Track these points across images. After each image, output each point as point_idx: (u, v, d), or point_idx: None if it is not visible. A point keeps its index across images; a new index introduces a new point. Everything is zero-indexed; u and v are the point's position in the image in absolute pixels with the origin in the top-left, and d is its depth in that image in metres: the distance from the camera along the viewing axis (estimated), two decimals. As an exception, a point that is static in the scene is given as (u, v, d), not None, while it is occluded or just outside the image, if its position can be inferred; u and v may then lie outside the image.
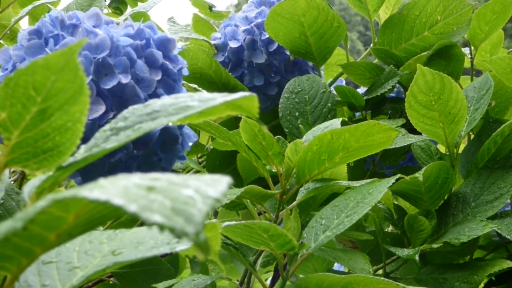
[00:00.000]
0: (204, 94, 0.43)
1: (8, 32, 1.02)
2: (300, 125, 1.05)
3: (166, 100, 0.42)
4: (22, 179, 0.91)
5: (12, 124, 0.37)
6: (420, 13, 1.18)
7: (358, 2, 1.21)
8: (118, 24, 0.72)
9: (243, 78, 1.24)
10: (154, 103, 0.42)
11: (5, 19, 1.35)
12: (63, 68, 0.35)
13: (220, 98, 0.42)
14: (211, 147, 1.12)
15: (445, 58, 1.15)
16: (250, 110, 0.45)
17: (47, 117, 0.37)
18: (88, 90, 0.37)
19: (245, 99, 0.43)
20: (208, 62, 1.16)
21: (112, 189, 0.29)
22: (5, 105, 0.36)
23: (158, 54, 0.68)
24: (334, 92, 1.19)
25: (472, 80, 1.22)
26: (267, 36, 1.20)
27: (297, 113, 1.09)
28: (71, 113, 0.38)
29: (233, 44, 1.22)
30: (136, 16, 0.85)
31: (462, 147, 1.08)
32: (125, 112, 0.42)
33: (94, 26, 0.69)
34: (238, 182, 1.09)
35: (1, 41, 1.25)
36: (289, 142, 0.91)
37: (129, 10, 1.39)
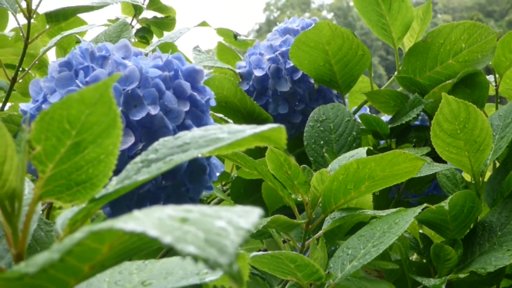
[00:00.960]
0: (233, 126, 0.43)
1: (36, 62, 1.04)
2: (325, 154, 1.05)
3: (196, 132, 0.42)
4: (49, 209, 0.92)
5: (47, 157, 0.38)
6: (444, 41, 1.18)
7: (383, 30, 1.22)
8: (146, 55, 0.73)
9: (267, 106, 1.25)
10: (185, 135, 0.43)
11: (33, 49, 1.37)
12: (97, 102, 0.36)
13: (249, 130, 0.42)
14: (236, 175, 1.12)
15: (470, 86, 1.15)
16: (278, 141, 0.45)
17: (81, 150, 0.38)
18: (121, 123, 0.38)
19: (274, 131, 0.43)
20: (233, 90, 1.17)
21: (147, 221, 0.30)
22: (40, 138, 0.37)
23: (186, 85, 0.69)
24: (359, 120, 1.20)
25: (497, 108, 1.22)
26: (291, 64, 1.21)
27: (322, 142, 1.09)
28: (105, 146, 0.38)
29: (258, 73, 1.23)
30: (164, 47, 0.86)
31: (487, 175, 1.07)
32: (156, 144, 0.43)
33: (123, 58, 0.70)
34: (262, 210, 1.09)
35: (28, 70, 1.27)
36: (314, 170, 0.91)
37: (155, 39, 1.41)
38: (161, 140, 0.43)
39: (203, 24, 1.11)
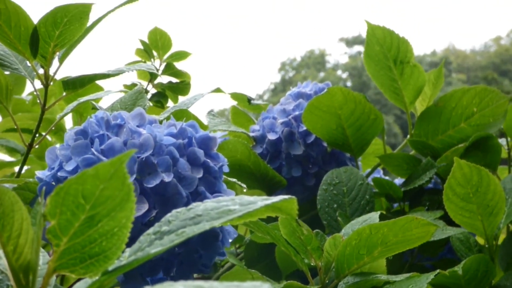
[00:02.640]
0: (245, 197, 0.44)
1: (53, 128, 1.05)
2: (338, 218, 1.05)
3: (208, 204, 0.43)
4: (62, 279, 0.93)
5: (61, 231, 0.38)
6: (456, 105, 1.19)
7: (395, 94, 1.23)
8: (161, 122, 0.74)
9: (281, 169, 1.26)
10: (197, 207, 0.44)
11: (49, 113, 1.39)
12: (112, 177, 0.37)
13: (260, 201, 0.43)
14: (250, 238, 1.13)
15: (482, 150, 1.15)
16: (290, 211, 0.46)
17: (95, 223, 0.39)
18: (134, 196, 0.39)
19: (285, 202, 0.44)
20: (246, 154, 1.19)
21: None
22: (55, 213, 0.38)
23: (200, 153, 0.70)
24: (372, 183, 1.20)
25: (509, 171, 1.22)
26: (304, 128, 1.22)
27: (335, 205, 1.10)
28: (118, 219, 0.39)
29: (271, 136, 1.25)
30: (178, 113, 0.88)
31: (501, 239, 1.07)
32: (169, 216, 0.44)
33: (138, 126, 0.71)
34: (276, 273, 1.09)
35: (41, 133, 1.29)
36: (328, 234, 0.91)
37: (170, 103, 1.43)
38: (174, 211, 0.44)
39: (217, 90, 1.13)
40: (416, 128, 1.24)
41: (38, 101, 0.98)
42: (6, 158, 1.66)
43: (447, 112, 1.20)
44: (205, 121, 1.19)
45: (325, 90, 1.19)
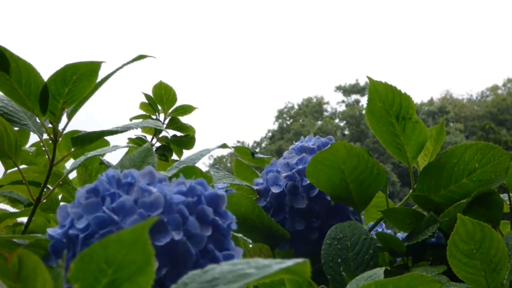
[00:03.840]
0: (260, 260, 0.45)
1: (60, 183, 1.07)
2: (343, 273, 1.06)
3: (224, 267, 0.44)
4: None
5: (84, 295, 0.39)
6: (458, 160, 1.20)
7: (397, 150, 1.25)
8: (170, 179, 0.75)
9: (285, 222, 1.27)
10: (213, 270, 0.45)
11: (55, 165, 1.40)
12: (134, 242, 0.38)
13: (275, 265, 0.44)
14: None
15: (484, 205, 1.16)
16: (303, 274, 0.47)
17: (116, 287, 0.40)
18: (155, 261, 0.40)
19: (299, 265, 0.45)
20: (250, 207, 1.20)
21: None
22: (78, 277, 0.39)
23: (209, 211, 0.71)
24: (375, 236, 1.21)
25: (511, 226, 1.23)
26: (308, 182, 1.23)
27: (339, 260, 1.10)
28: (138, 283, 0.40)
29: (275, 190, 1.26)
30: (186, 170, 0.89)
31: (505, 294, 1.07)
32: (185, 278, 0.45)
33: (148, 184, 0.72)
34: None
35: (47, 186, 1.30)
36: (332, 289, 0.91)
37: (174, 157, 1.45)
38: (190, 274, 0.45)
39: (224, 146, 1.15)
40: (419, 183, 1.25)
41: (47, 156, 0.99)
42: (9, 208, 1.67)
43: (449, 168, 1.21)
44: (211, 173, 1.21)
45: (329, 145, 1.21)
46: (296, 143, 1.35)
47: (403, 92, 1.24)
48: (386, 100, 1.23)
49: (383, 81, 1.24)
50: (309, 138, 1.36)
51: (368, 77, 1.26)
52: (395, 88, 1.24)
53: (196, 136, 1.44)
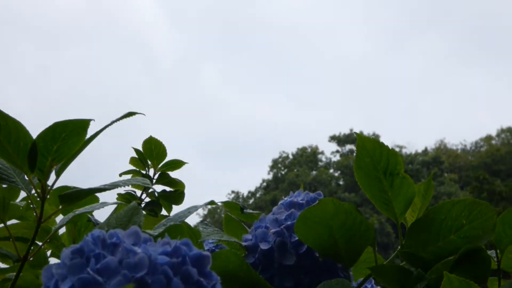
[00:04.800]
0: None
1: (48, 240, 1.07)
2: (330, 331, 1.05)
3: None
4: None
5: None
6: (445, 217, 1.21)
7: (385, 205, 1.25)
8: (156, 239, 0.76)
9: (273, 279, 1.27)
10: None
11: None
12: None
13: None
14: None
15: (472, 262, 1.17)
16: None
17: None
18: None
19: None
20: (239, 264, 1.19)
21: None
22: None
23: (194, 272, 0.71)
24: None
25: (499, 283, 1.23)
26: (296, 238, 1.23)
27: (327, 317, 1.10)
28: None
29: (263, 246, 1.26)
30: (172, 229, 0.89)
31: None
32: None
33: (133, 244, 0.73)
34: None
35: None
36: None
37: (164, 212, 1.45)
38: None
39: (211, 203, 1.16)
40: (407, 239, 1.25)
41: (35, 213, 1.00)
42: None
43: (437, 224, 1.22)
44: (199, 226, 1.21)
45: (317, 200, 1.22)
46: (285, 198, 1.36)
47: (390, 148, 1.25)
48: (374, 156, 1.24)
49: (371, 137, 1.26)
50: (298, 193, 1.36)
51: (356, 133, 1.27)
52: (383, 144, 1.25)
53: (188, 186, 1.45)
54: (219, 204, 1.32)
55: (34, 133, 0.97)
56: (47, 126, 0.96)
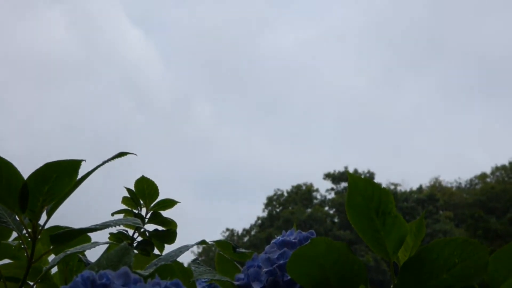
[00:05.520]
0: None
1: (39, 280, 1.06)
2: None
3: None
4: None
5: None
6: (438, 256, 1.21)
7: (378, 245, 1.25)
8: (146, 280, 0.76)
9: (265, 319, 1.26)
10: None
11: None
12: None
13: None
14: None
15: (465, 303, 1.16)
16: None
17: None
18: None
19: None
20: (231, 304, 1.19)
21: None
22: None
23: (182, 313, 0.71)
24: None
25: (493, 322, 1.23)
26: (289, 277, 1.23)
27: None
28: None
29: (256, 286, 1.25)
30: (163, 268, 0.89)
31: None
32: None
33: (123, 285, 0.73)
34: None
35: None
36: None
37: (156, 251, 1.44)
38: None
39: (203, 242, 1.15)
40: (399, 278, 1.25)
41: (26, 254, 0.99)
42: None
43: (429, 263, 1.21)
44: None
45: (309, 239, 1.22)
46: (278, 237, 1.35)
47: (382, 187, 1.26)
48: (366, 195, 1.24)
49: (363, 177, 1.26)
50: (290, 232, 1.36)
51: (347, 172, 1.27)
52: (374, 183, 1.26)
53: (183, 224, 1.45)
54: (211, 243, 1.31)
55: (26, 172, 0.97)
56: (38, 166, 0.96)
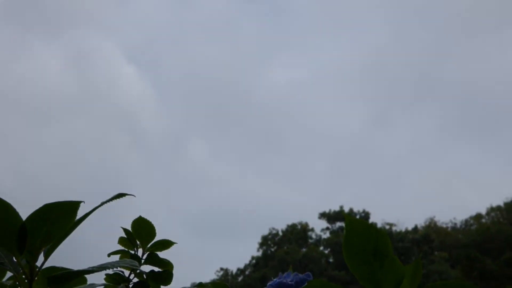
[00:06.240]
0: None
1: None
2: None
3: None
4: None
5: None
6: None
7: (375, 287, 1.25)
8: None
9: None
10: None
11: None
12: None
13: None
14: None
15: None
16: None
17: None
18: None
19: None
20: None
21: None
22: None
23: None
24: None
25: None
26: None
27: None
28: None
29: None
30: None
31: None
32: None
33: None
34: None
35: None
36: None
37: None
38: None
39: (200, 285, 1.15)
40: (397, 321, 1.25)
41: (22, 296, 0.99)
42: None
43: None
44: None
45: (306, 282, 1.22)
46: (274, 279, 1.35)
47: (379, 229, 1.26)
48: (363, 237, 1.24)
49: (360, 219, 1.26)
50: (287, 274, 1.36)
51: (344, 214, 1.28)
52: (371, 225, 1.26)
53: (177, 262, 1.44)
54: (207, 283, 1.31)
55: (22, 210, 0.97)
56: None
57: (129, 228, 1.47)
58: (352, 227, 1.26)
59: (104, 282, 1.30)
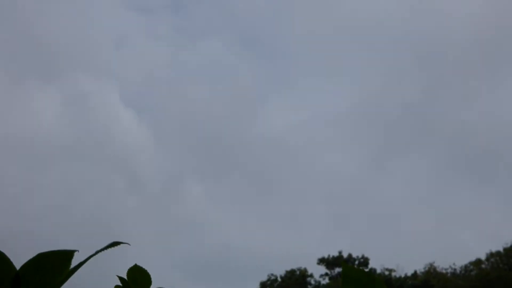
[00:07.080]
0: None
1: None
2: None
3: None
4: None
5: None
6: None
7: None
8: None
9: None
10: None
11: None
12: None
13: None
14: None
15: None
16: None
17: None
18: None
19: None
20: None
21: None
22: None
23: None
24: None
25: None
26: None
27: None
28: None
29: None
30: None
31: None
32: None
33: None
34: None
35: None
36: None
37: None
38: None
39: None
40: None
41: None
42: None
43: None
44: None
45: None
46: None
47: (376, 277, 1.25)
48: (360, 286, 1.24)
49: (357, 262, 1.26)
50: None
51: (342, 263, 1.27)
52: (368, 273, 1.25)
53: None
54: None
55: (16, 259, 0.97)
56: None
57: (125, 276, 1.45)
58: (349, 275, 1.25)
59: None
